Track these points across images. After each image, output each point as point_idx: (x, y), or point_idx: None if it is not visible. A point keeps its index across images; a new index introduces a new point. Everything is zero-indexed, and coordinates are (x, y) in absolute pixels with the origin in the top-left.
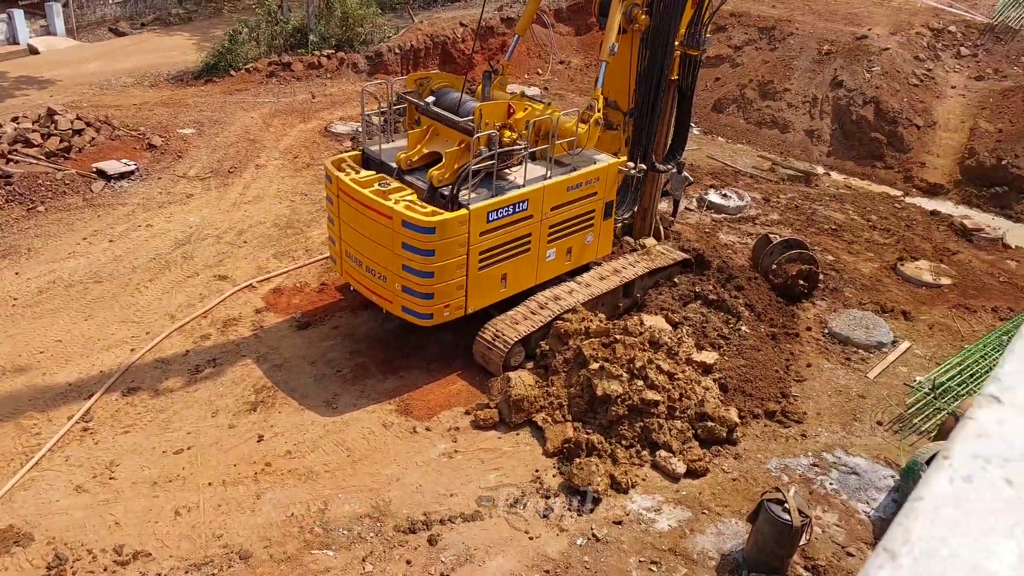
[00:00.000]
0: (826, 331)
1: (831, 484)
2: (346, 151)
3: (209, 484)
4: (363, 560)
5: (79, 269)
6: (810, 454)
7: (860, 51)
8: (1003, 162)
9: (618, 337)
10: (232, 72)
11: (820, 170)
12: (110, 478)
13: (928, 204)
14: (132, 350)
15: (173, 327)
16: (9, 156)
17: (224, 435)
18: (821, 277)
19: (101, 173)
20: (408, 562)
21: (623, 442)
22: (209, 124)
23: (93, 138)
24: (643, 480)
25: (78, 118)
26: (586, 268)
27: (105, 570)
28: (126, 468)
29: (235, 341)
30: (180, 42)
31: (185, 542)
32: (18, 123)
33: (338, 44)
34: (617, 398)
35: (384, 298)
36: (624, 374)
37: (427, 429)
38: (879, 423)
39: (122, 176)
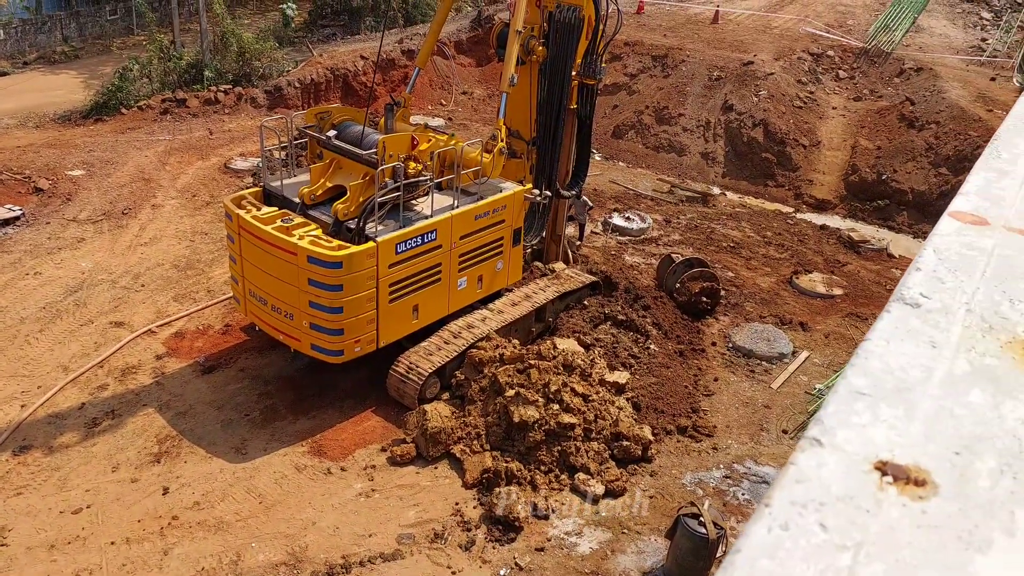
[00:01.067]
0: (730, 345)
1: (743, 494)
2: (247, 187)
3: (112, 543)
4: None
5: None
6: (722, 466)
7: (747, 76)
8: (883, 177)
9: (532, 362)
10: (123, 110)
11: (716, 190)
12: (2, 544)
13: (817, 219)
14: (23, 406)
15: (67, 379)
16: None
17: (126, 490)
18: (723, 293)
19: None
20: None
21: (542, 467)
22: (100, 165)
23: None
24: (563, 504)
25: None
26: (498, 295)
27: None
28: (20, 532)
29: (135, 390)
30: (66, 81)
31: None
32: None
33: (235, 79)
34: (534, 424)
35: (292, 337)
36: (540, 399)
37: (342, 469)
38: (785, 431)
39: (6, 222)
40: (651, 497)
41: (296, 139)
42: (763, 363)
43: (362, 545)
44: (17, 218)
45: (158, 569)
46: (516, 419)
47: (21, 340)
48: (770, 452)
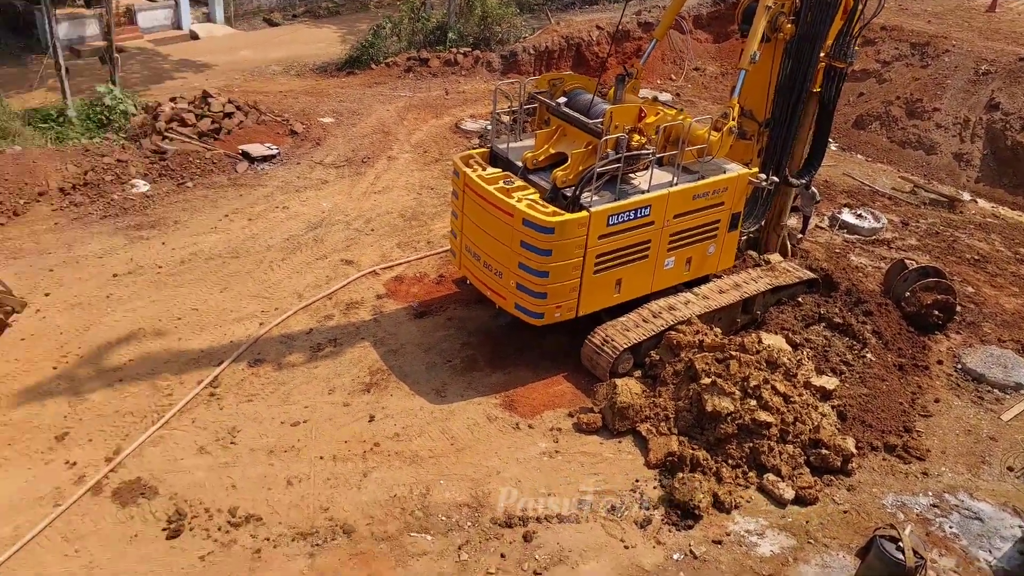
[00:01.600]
0: (959, 366)
1: (951, 527)
2: (474, 148)
3: (321, 458)
4: (459, 548)
5: (219, 244)
6: (930, 494)
7: (1022, 73)
8: None
9: (733, 353)
10: (373, 65)
11: (966, 196)
12: (231, 443)
13: None
14: (261, 324)
15: (300, 305)
16: (165, 134)
17: (338, 412)
18: (958, 309)
19: (246, 155)
20: (502, 555)
21: (729, 461)
22: (348, 114)
23: (241, 121)
24: (747, 502)
25: (229, 102)
26: (705, 280)
27: (219, 529)
28: (246, 435)
29: (355, 324)
30: (327, 34)
31: (294, 511)
32: (175, 103)
33: (475, 42)
34: (727, 416)
35: (498, 294)
36: (736, 392)
37: (530, 426)
38: (1010, 469)
39: (264, 159)
40: (845, 512)
41: (526, 104)
42: (995, 391)
43: (540, 502)
44: (274, 156)
45: (356, 488)
46: (709, 408)
47: (266, 266)
48: (989, 488)
